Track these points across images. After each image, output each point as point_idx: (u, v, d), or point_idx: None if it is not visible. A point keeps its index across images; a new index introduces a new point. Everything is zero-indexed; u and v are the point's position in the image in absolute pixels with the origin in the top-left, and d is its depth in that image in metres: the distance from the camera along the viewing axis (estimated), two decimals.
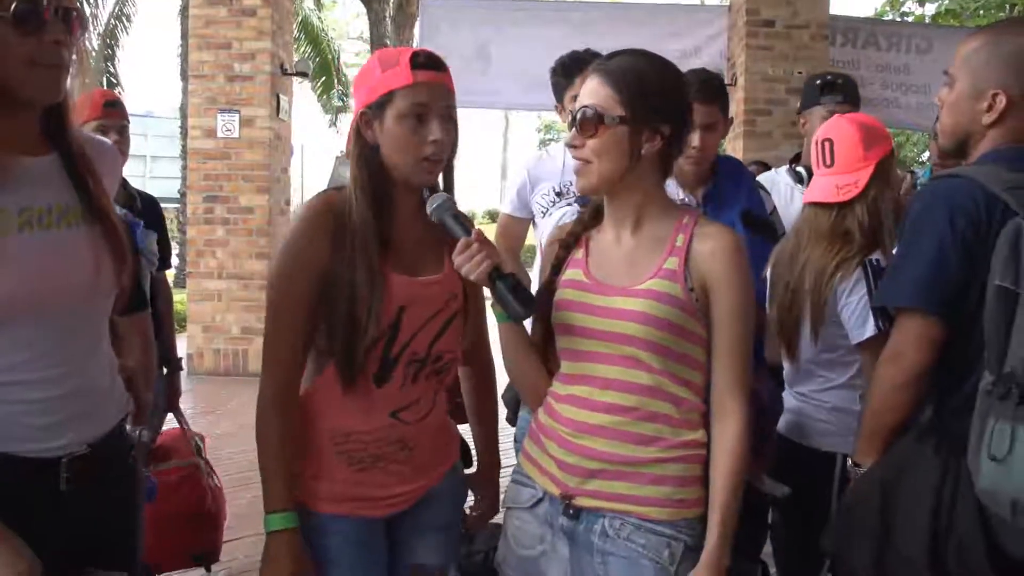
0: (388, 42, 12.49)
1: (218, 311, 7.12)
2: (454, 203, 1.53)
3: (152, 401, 2.18)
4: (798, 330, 2.03)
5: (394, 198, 1.54)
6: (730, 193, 2.29)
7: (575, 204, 2.22)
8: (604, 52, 1.61)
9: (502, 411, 1.97)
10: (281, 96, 7.24)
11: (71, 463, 1.32)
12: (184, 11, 12.42)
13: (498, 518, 1.77)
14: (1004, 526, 1.40)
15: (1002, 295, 1.40)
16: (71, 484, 1.32)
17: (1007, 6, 10.45)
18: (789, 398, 2.15)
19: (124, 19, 14.66)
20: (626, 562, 1.44)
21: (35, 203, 1.28)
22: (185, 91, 11.71)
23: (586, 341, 1.49)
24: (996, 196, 1.49)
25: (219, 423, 5.31)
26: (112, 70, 14.45)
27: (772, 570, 2.22)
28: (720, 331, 1.45)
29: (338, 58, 17.27)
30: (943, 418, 1.57)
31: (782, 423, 2.12)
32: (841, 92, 2.73)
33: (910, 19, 11.40)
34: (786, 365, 2.13)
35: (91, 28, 12.36)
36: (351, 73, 18.51)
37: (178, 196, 14.11)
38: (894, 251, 1.89)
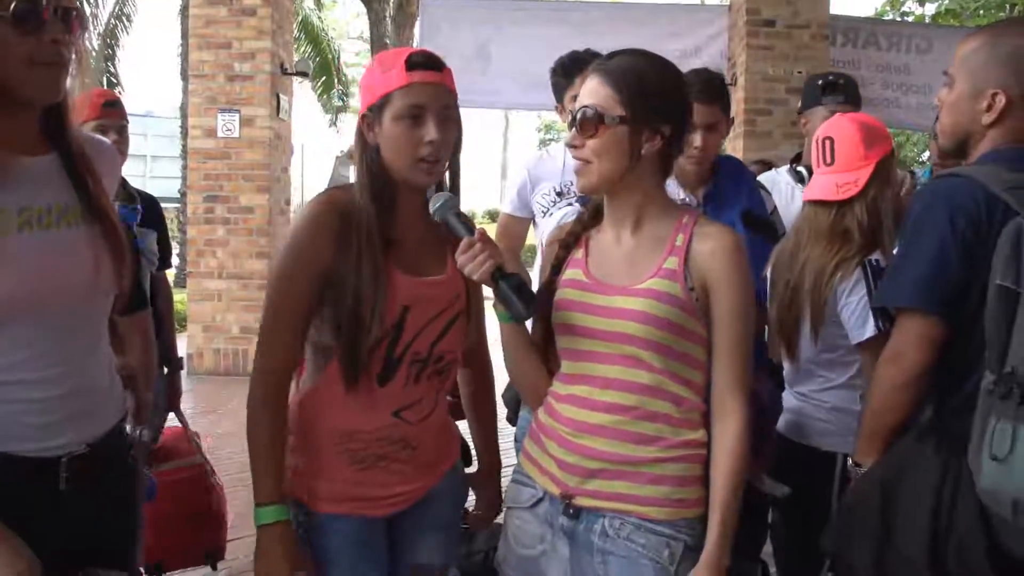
0: (388, 42, 12.49)
1: (218, 311, 7.11)
2: (457, 202, 1.54)
3: (152, 401, 2.18)
4: (798, 330, 2.03)
5: (397, 198, 1.54)
6: (730, 193, 2.29)
7: (576, 204, 2.22)
8: (604, 52, 1.61)
9: (502, 411, 1.97)
10: (281, 96, 7.24)
11: (70, 462, 1.32)
12: (184, 11, 12.41)
13: (498, 518, 1.77)
14: (1005, 526, 1.40)
15: (1003, 295, 1.40)
16: (70, 484, 1.32)
17: (1007, 6, 10.44)
18: (789, 398, 2.15)
19: (124, 19, 14.65)
20: (626, 562, 1.44)
21: (35, 203, 1.28)
22: (185, 91, 11.71)
23: (586, 341, 1.49)
24: (996, 196, 1.49)
25: (219, 423, 5.30)
26: (112, 70, 14.45)
27: (772, 570, 2.22)
28: (720, 331, 1.45)
29: (338, 58, 17.27)
30: (943, 418, 1.57)
31: (782, 423, 2.12)
32: (843, 92, 2.73)
33: (910, 19, 11.40)
34: (786, 365, 2.13)
35: (91, 28, 12.36)
36: (351, 73, 18.55)
37: (178, 196, 14.11)
38: (894, 251, 1.90)
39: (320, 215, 1.51)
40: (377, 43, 12.74)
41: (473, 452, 1.86)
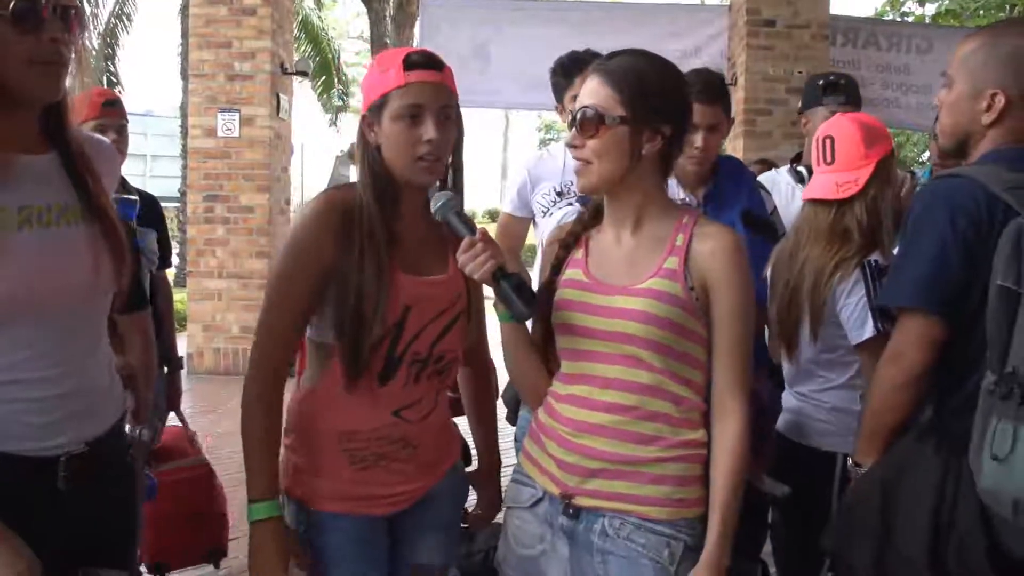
0: (388, 42, 12.49)
1: (218, 310, 7.11)
2: (458, 202, 1.54)
3: (152, 400, 2.18)
4: (798, 330, 2.03)
5: (399, 198, 1.54)
6: (731, 193, 2.29)
7: (576, 204, 2.22)
8: (604, 52, 1.61)
9: (502, 411, 1.97)
10: (281, 95, 7.23)
11: (69, 462, 1.32)
12: (184, 10, 12.42)
13: (499, 517, 1.76)
14: (1006, 526, 1.40)
15: (1004, 295, 1.41)
16: (69, 483, 1.32)
17: (1007, 6, 10.45)
18: (789, 398, 2.15)
19: (124, 18, 14.66)
20: (626, 561, 1.44)
21: (34, 201, 1.28)
22: (185, 90, 11.71)
23: (586, 340, 1.49)
24: (997, 196, 1.50)
25: (219, 422, 5.30)
26: (112, 69, 14.45)
27: (772, 570, 2.22)
28: (720, 331, 1.45)
29: (338, 57, 17.27)
30: (943, 418, 1.57)
31: (782, 422, 2.12)
32: (844, 92, 2.73)
33: (910, 19, 11.40)
34: (786, 365, 2.13)
35: (91, 27, 12.37)
36: (351, 73, 18.56)
37: (178, 195, 14.11)
38: (893, 251, 1.90)
39: (321, 214, 1.51)
40: (377, 43, 12.74)
41: (473, 451, 1.86)
